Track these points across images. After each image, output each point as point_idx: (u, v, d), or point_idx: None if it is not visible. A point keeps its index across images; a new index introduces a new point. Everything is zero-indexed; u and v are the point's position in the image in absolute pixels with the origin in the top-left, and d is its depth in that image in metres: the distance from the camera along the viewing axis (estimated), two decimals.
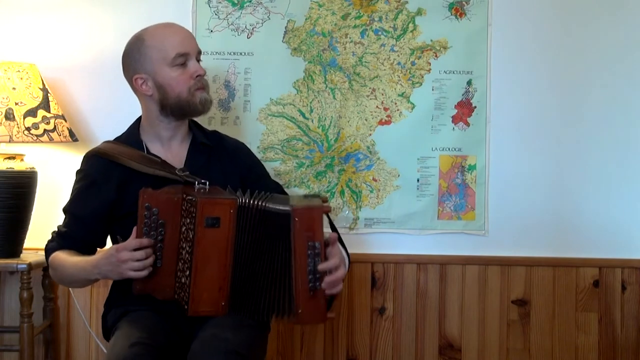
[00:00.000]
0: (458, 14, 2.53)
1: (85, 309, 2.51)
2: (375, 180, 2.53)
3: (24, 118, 2.27)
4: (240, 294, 1.75)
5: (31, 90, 2.32)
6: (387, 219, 2.54)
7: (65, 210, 1.97)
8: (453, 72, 2.53)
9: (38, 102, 2.31)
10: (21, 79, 2.31)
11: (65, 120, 2.39)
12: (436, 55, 2.53)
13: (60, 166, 2.52)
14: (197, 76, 1.92)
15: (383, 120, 2.53)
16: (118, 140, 2.02)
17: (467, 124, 2.53)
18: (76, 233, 1.92)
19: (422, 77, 2.53)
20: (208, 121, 2.49)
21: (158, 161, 1.92)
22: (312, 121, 2.53)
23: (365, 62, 2.52)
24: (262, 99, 2.52)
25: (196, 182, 1.80)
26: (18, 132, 2.25)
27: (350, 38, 2.52)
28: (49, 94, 2.36)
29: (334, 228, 1.90)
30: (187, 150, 1.99)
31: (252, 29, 2.52)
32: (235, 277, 1.75)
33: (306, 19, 2.52)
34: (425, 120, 2.53)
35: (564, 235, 2.54)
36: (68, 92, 2.52)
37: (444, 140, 2.53)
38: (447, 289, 2.55)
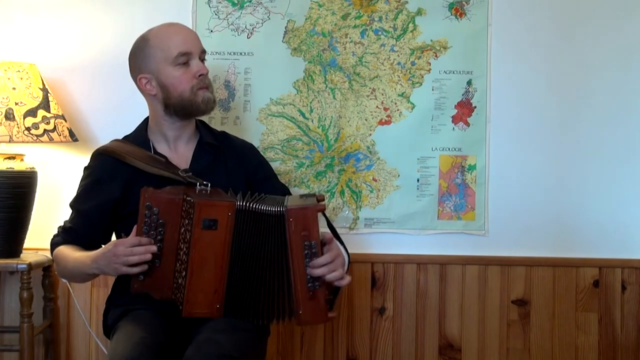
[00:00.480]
0: (458, 14, 2.53)
1: (85, 309, 2.51)
2: (375, 180, 2.53)
3: (24, 118, 2.27)
4: (237, 297, 1.75)
5: (31, 90, 2.32)
6: (387, 219, 2.54)
7: (71, 205, 2.00)
8: (453, 72, 2.53)
9: (38, 102, 2.31)
10: (21, 79, 2.31)
11: (65, 120, 2.39)
12: (436, 55, 2.53)
13: (60, 166, 2.52)
14: (199, 75, 1.92)
15: (383, 120, 2.53)
16: (126, 138, 2.04)
17: (467, 124, 2.53)
18: (80, 229, 1.94)
19: (422, 77, 2.53)
20: (208, 121, 2.48)
21: (162, 161, 1.92)
22: (312, 121, 2.53)
23: (365, 62, 2.52)
24: (262, 99, 2.52)
25: (197, 184, 1.80)
26: (18, 132, 2.25)
27: (350, 38, 2.52)
28: (49, 94, 2.36)
29: (331, 227, 1.90)
30: (193, 150, 2.00)
31: (252, 29, 2.52)
32: (232, 280, 1.74)
33: (306, 19, 2.52)
34: (425, 120, 2.53)
35: (564, 235, 2.55)
36: (68, 92, 2.52)
37: (444, 140, 2.53)
38: (447, 289, 2.55)
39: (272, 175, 2.10)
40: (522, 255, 2.54)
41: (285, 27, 2.52)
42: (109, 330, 1.93)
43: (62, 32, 2.52)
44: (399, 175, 2.53)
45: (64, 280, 2.45)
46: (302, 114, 2.53)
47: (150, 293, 1.77)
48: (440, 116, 2.53)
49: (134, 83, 2.49)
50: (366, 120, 2.53)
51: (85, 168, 2.02)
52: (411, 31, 2.52)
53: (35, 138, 2.28)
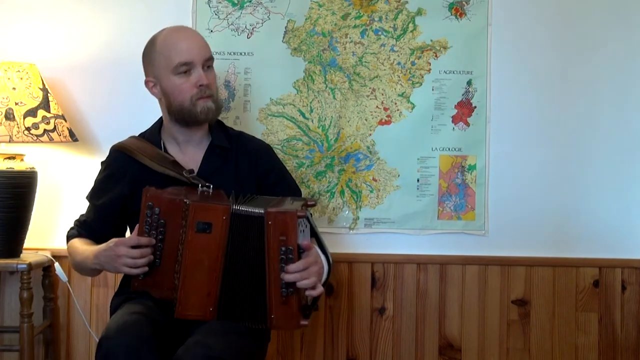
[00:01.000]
0: (458, 14, 2.53)
1: (85, 309, 2.51)
2: (375, 180, 2.53)
3: (24, 118, 2.27)
4: (228, 300, 1.75)
5: (31, 90, 2.32)
6: (387, 219, 2.54)
7: (87, 198, 2.05)
8: (453, 72, 2.53)
9: (38, 102, 2.31)
10: (21, 79, 2.31)
11: (65, 120, 2.39)
12: (436, 55, 2.53)
13: (60, 166, 2.52)
14: (200, 85, 1.91)
15: (383, 120, 2.53)
16: (142, 135, 2.05)
17: (467, 124, 2.53)
18: (94, 223, 1.99)
19: (422, 77, 2.53)
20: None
21: (170, 160, 1.93)
22: (312, 121, 2.53)
23: (365, 62, 2.52)
24: (262, 99, 2.52)
25: (199, 185, 1.80)
26: (18, 132, 2.25)
27: (350, 38, 2.52)
28: (49, 94, 2.36)
29: (315, 234, 1.84)
30: (203, 153, 1.99)
31: (252, 29, 2.52)
32: (225, 283, 1.74)
33: (306, 19, 2.52)
34: (425, 120, 2.53)
35: (564, 235, 2.54)
36: (68, 92, 2.52)
37: (444, 140, 2.53)
38: (447, 289, 2.55)
39: (285, 179, 2.09)
40: (522, 255, 2.54)
41: (285, 27, 2.52)
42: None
43: (62, 32, 2.52)
44: (399, 175, 2.53)
45: (64, 280, 2.45)
46: (302, 114, 2.53)
47: (149, 292, 1.78)
48: (440, 116, 2.53)
49: (133, 83, 2.52)
50: (366, 120, 2.53)
51: (102, 162, 2.06)
52: (411, 31, 2.52)
53: (35, 138, 2.28)
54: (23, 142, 2.28)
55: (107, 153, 2.45)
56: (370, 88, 2.53)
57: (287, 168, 2.50)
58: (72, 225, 2.06)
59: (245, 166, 2.01)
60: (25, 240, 2.38)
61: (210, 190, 1.80)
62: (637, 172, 2.55)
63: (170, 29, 1.97)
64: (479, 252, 2.54)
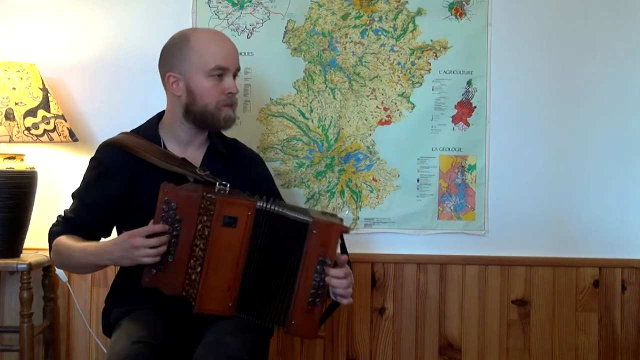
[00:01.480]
0: (458, 14, 2.53)
1: (85, 309, 2.51)
2: (375, 180, 2.53)
3: (24, 118, 2.27)
4: (247, 297, 1.76)
5: (31, 90, 2.32)
6: (387, 219, 2.54)
7: (74, 195, 1.97)
8: (453, 72, 2.53)
9: (38, 102, 2.31)
10: (21, 79, 2.31)
11: (65, 120, 2.39)
12: (436, 55, 2.53)
13: (60, 166, 2.52)
14: (228, 93, 1.91)
15: (383, 120, 2.53)
16: (136, 132, 2.00)
17: (467, 124, 2.53)
18: (83, 220, 1.92)
19: (422, 77, 2.53)
20: None
21: (178, 158, 1.90)
22: (312, 121, 2.53)
23: (365, 62, 2.52)
24: (262, 99, 2.52)
25: (217, 183, 1.80)
26: (18, 132, 2.25)
27: (350, 38, 2.52)
28: (49, 94, 2.36)
29: (344, 250, 1.86)
30: (202, 155, 1.99)
31: (252, 29, 2.52)
32: (245, 279, 1.75)
33: (306, 19, 2.52)
34: (425, 120, 2.53)
35: (564, 235, 2.54)
36: (68, 92, 2.52)
37: (444, 140, 2.53)
38: (447, 289, 2.55)
39: (275, 192, 2.09)
40: (522, 255, 2.54)
41: (285, 27, 2.52)
42: (110, 328, 1.92)
43: (62, 32, 2.52)
44: (399, 175, 2.53)
45: (64, 280, 2.45)
46: (302, 114, 2.53)
47: (160, 288, 1.77)
48: (440, 116, 2.53)
49: (133, 83, 2.51)
50: (366, 120, 2.53)
51: (92, 159, 1.98)
52: (411, 31, 2.52)
53: (35, 138, 2.28)
54: (23, 142, 2.28)
55: None
56: (370, 88, 2.53)
57: (287, 168, 2.52)
58: (54, 221, 1.98)
59: (240, 173, 2.01)
60: (25, 240, 2.38)
61: (227, 189, 1.79)
62: (637, 172, 2.55)
63: (206, 29, 1.96)
64: (479, 252, 2.54)
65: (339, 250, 1.80)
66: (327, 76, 2.52)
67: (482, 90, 2.53)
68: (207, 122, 1.93)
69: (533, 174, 2.54)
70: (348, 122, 2.53)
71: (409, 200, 2.53)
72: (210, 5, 2.52)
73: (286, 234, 1.76)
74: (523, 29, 2.54)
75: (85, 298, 2.52)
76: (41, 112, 2.31)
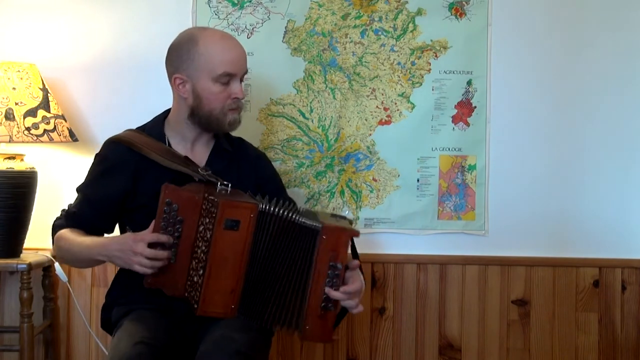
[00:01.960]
0: (458, 14, 2.53)
1: (85, 309, 2.51)
2: (375, 180, 2.53)
3: (24, 118, 2.27)
4: (250, 299, 1.75)
5: (31, 90, 2.32)
6: (387, 219, 2.54)
7: (78, 190, 1.98)
8: (453, 72, 2.53)
9: (38, 102, 2.31)
10: (21, 79, 2.31)
11: (65, 120, 2.39)
12: (436, 55, 2.53)
13: (60, 166, 2.52)
14: (234, 98, 1.90)
15: (383, 120, 2.53)
16: (141, 129, 1.99)
17: (467, 124, 2.53)
18: (86, 215, 1.92)
19: (422, 77, 2.53)
20: None
21: (182, 157, 1.90)
22: (312, 121, 2.53)
23: (365, 62, 2.52)
24: (262, 99, 2.52)
25: (219, 183, 1.79)
26: (18, 132, 2.25)
27: (350, 38, 2.52)
28: (49, 94, 2.36)
29: (355, 253, 1.86)
30: (208, 154, 1.98)
31: (252, 29, 2.52)
32: (247, 282, 1.74)
33: (306, 19, 2.52)
34: (425, 120, 2.53)
35: (564, 235, 2.54)
36: (68, 92, 2.52)
37: (444, 140, 2.53)
38: (447, 289, 2.55)
39: (282, 188, 2.09)
40: (522, 255, 2.54)
41: (285, 27, 2.52)
42: (109, 325, 1.93)
43: (62, 32, 2.52)
44: (399, 175, 2.53)
45: (64, 280, 2.45)
46: (302, 114, 2.53)
47: (162, 289, 1.77)
48: (440, 116, 2.53)
49: (133, 83, 2.51)
50: (366, 120, 2.53)
51: (97, 155, 1.98)
52: (411, 31, 2.52)
53: (35, 138, 2.28)
54: (23, 142, 2.28)
55: None
56: (370, 88, 2.53)
57: (287, 168, 2.52)
58: (58, 215, 2.00)
59: (246, 171, 2.00)
60: (25, 240, 2.38)
61: (229, 189, 1.79)
62: (637, 172, 2.55)
63: (215, 33, 1.92)
64: (479, 252, 2.54)
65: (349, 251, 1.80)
66: (327, 76, 2.52)
67: (482, 90, 2.53)
68: (212, 125, 1.92)
69: (533, 174, 2.54)
70: (348, 122, 2.53)
71: (409, 200, 2.53)
72: (210, 5, 2.52)
73: (294, 238, 1.75)
74: (523, 29, 2.54)
75: (85, 298, 2.52)
76: (41, 112, 2.31)
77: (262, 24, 2.52)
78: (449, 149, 2.53)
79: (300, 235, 1.74)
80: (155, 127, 1.98)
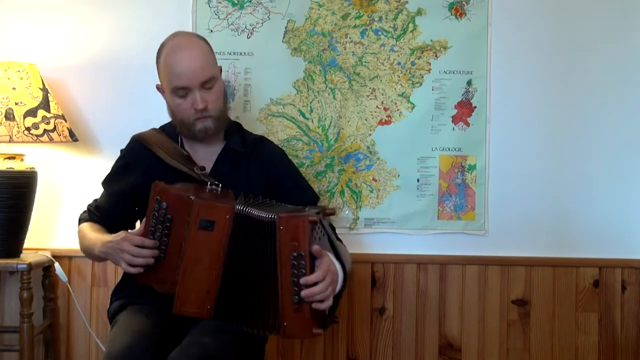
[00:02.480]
0: (458, 14, 2.53)
1: (85, 309, 2.51)
2: (375, 180, 2.53)
3: (24, 118, 2.27)
4: (228, 301, 1.74)
5: (31, 90, 2.32)
6: (387, 219, 2.54)
7: (102, 184, 2.07)
8: (453, 72, 2.53)
9: (38, 102, 2.31)
10: (21, 79, 2.31)
11: (65, 120, 2.39)
12: (436, 55, 2.53)
13: (60, 166, 2.52)
14: (195, 109, 1.89)
15: (383, 120, 2.53)
16: (162, 128, 2.05)
17: (467, 124, 2.53)
18: (106, 209, 2.02)
19: (422, 77, 2.53)
20: None
21: (184, 155, 1.93)
22: (312, 121, 2.53)
23: (365, 62, 2.52)
24: (262, 99, 2.52)
25: (208, 183, 1.80)
26: (18, 132, 2.25)
27: (350, 38, 2.52)
28: (49, 94, 2.36)
29: (330, 241, 1.79)
30: (217, 155, 1.99)
31: (252, 29, 2.52)
32: (225, 283, 1.74)
33: (306, 19, 2.52)
34: (425, 120, 2.53)
35: (564, 235, 2.55)
36: (68, 92, 2.52)
37: (444, 140, 2.53)
38: (447, 289, 2.55)
39: (298, 186, 2.06)
40: (522, 255, 2.54)
41: (285, 27, 2.52)
42: (110, 317, 1.96)
43: (62, 32, 2.52)
44: (399, 175, 2.53)
45: (64, 280, 2.45)
46: (302, 114, 2.53)
47: (152, 285, 1.78)
48: (440, 116, 2.53)
49: (133, 83, 2.52)
50: (366, 120, 2.53)
51: (121, 150, 2.07)
52: (411, 31, 2.52)
53: (35, 138, 2.28)
54: (23, 142, 2.28)
55: (107, 153, 2.49)
56: (370, 88, 2.53)
57: None
58: (85, 209, 2.08)
59: (256, 172, 2.00)
60: (25, 240, 2.38)
61: (219, 189, 1.79)
62: (637, 172, 2.55)
63: (174, 43, 1.90)
64: (479, 252, 2.54)
65: (322, 244, 1.73)
66: (327, 76, 2.52)
67: (482, 90, 2.53)
68: (189, 133, 1.94)
69: (533, 173, 2.54)
70: (348, 122, 2.53)
71: (409, 200, 2.53)
72: (210, 5, 2.52)
73: (259, 235, 1.73)
74: (523, 29, 2.54)
75: (85, 298, 2.52)
76: (41, 112, 2.31)
77: (262, 24, 2.52)
78: (449, 149, 2.53)
79: (263, 230, 1.72)
80: (172, 127, 2.02)
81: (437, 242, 2.54)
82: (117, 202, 2.00)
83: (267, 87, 2.52)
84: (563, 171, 2.54)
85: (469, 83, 2.53)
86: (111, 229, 1.93)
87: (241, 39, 2.52)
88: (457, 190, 2.54)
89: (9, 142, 2.26)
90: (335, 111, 2.53)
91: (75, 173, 2.52)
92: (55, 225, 2.51)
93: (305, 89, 2.52)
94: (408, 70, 2.52)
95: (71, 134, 2.38)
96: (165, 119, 2.04)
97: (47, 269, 2.46)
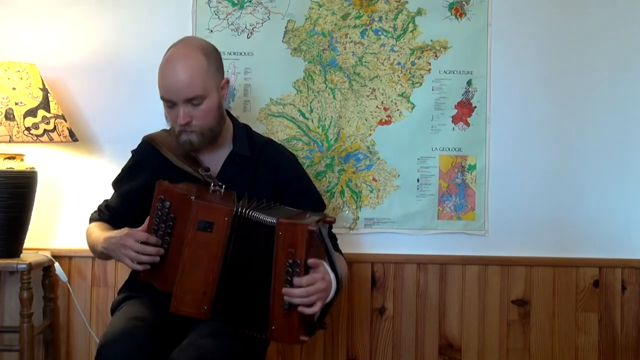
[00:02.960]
0: (458, 14, 2.53)
1: (85, 309, 2.51)
2: (375, 180, 2.53)
3: (24, 118, 2.27)
4: (224, 302, 1.75)
5: (31, 90, 2.32)
6: (387, 219, 2.54)
7: (112, 184, 2.08)
8: (453, 72, 2.53)
9: (38, 102, 2.31)
10: (21, 79, 2.31)
11: (65, 120, 2.39)
12: (436, 55, 2.53)
13: (60, 166, 2.52)
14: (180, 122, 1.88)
15: (383, 120, 2.53)
16: (173, 130, 2.03)
17: (467, 124, 2.53)
18: (115, 208, 2.03)
19: (422, 77, 2.53)
20: None
21: (191, 157, 1.93)
22: (312, 121, 2.53)
23: (365, 62, 2.52)
24: (262, 99, 2.52)
25: (212, 184, 1.80)
26: (18, 132, 2.25)
27: (350, 38, 2.52)
28: (49, 94, 2.36)
29: (326, 250, 1.79)
30: (224, 159, 1.98)
31: (252, 29, 2.52)
32: (221, 284, 1.74)
33: (306, 19, 2.52)
34: (425, 120, 2.53)
35: (564, 235, 2.55)
36: (68, 92, 2.52)
37: (444, 140, 2.53)
38: (447, 289, 2.55)
39: (305, 191, 2.05)
40: (522, 255, 2.54)
41: (285, 27, 2.52)
42: (112, 311, 1.96)
43: (61, 32, 2.52)
44: (399, 175, 2.53)
45: (64, 280, 2.45)
46: (302, 114, 2.53)
47: (153, 283, 1.79)
48: (440, 116, 2.53)
49: (133, 83, 2.52)
50: (366, 120, 2.53)
51: (132, 151, 2.08)
52: (411, 31, 2.52)
53: (35, 138, 2.28)
54: (23, 142, 2.28)
55: (107, 153, 2.49)
56: (370, 88, 2.53)
57: None
58: (95, 209, 2.09)
59: (264, 176, 1.99)
60: (25, 240, 2.38)
61: (222, 191, 1.79)
62: (637, 172, 2.55)
63: (171, 53, 1.89)
64: (479, 252, 2.54)
65: (319, 252, 1.74)
66: (327, 76, 2.52)
67: (482, 90, 2.53)
68: (177, 141, 1.93)
69: (533, 174, 2.54)
70: (348, 122, 2.53)
71: (409, 200, 2.53)
72: (210, 5, 2.52)
73: (259, 238, 1.73)
74: (523, 29, 2.54)
75: (85, 298, 2.52)
76: (41, 112, 2.31)
77: (262, 24, 2.52)
78: (449, 149, 2.53)
79: (262, 234, 1.73)
80: None
81: (437, 242, 2.54)
82: (126, 202, 2.01)
83: (267, 87, 2.52)
84: (563, 171, 2.54)
85: (469, 83, 2.53)
86: (120, 229, 1.92)
87: (241, 39, 2.52)
88: (457, 190, 2.54)
89: (9, 142, 2.26)
90: (335, 111, 2.53)
91: (75, 173, 2.52)
92: (55, 225, 2.51)
93: (305, 89, 2.52)
94: (408, 70, 2.53)
95: (71, 134, 2.38)
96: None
97: (47, 269, 2.46)
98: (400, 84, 2.52)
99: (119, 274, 2.49)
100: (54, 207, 2.51)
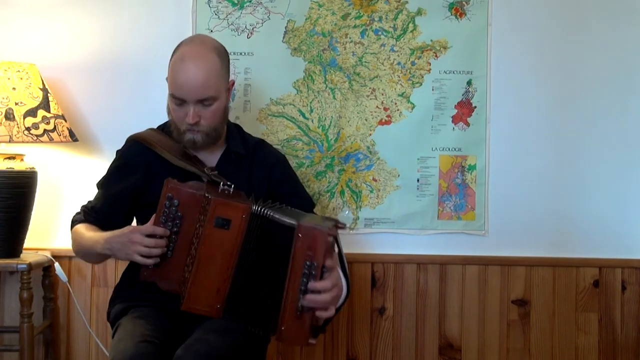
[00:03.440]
0: (458, 14, 2.53)
1: (85, 309, 2.51)
2: (375, 180, 2.54)
3: (24, 118, 2.27)
4: (237, 300, 1.74)
5: (31, 90, 2.32)
6: (387, 219, 2.54)
7: (97, 185, 2.04)
8: (453, 72, 2.53)
9: (38, 102, 2.31)
10: (21, 79, 2.31)
11: (65, 120, 2.39)
12: (436, 55, 2.53)
13: (60, 166, 2.52)
14: (188, 122, 1.88)
15: (383, 120, 2.53)
16: (161, 128, 2.03)
17: (467, 124, 2.53)
18: (103, 210, 1.98)
19: (422, 77, 2.53)
20: None
21: (191, 156, 1.92)
22: (312, 121, 2.53)
23: (365, 62, 2.52)
24: (262, 99, 2.52)
25: (221, 183, 1.80)
26: (18, 132, 2.25)
27: (350, 38, 2.52)
28: (49, 94, 2.36)
29: (340, 256, 1.83)
30: (219, 157, 1.99)
31: (252, 29, 2.52)
32: (235, 282, 1.74)
33: (306, 19, 2.52)
34: (425, 120, 2.53)
35: (564, 235, 2.55)
36: (68, 92, 2.52)
37: (444, 140, 2.53)
38: (447, 289, 2.55)
39: (297, 192, 2.07)
40: (522, 255, 2.54)
41: (285, 27, 2.52)
42: (112, 321, 1.94)
43: (62, 32, 2.52)
44: (399, 175, 2.54)
45: (64, 280, 2.45)
46: (302, 114, 2.53)
47: (157, 282, 1.77)
48: (440, 116, 2.53)
49: (133, 83, 2.52)
50: (366, 120, 2.53)
51: (117, 151, 2.04)
52: (411, 31, 2.52)
53: (35, 138, 2.28)
54: (23, 142, 2.28)
55: (107, 153, 2.48)
56: (370, 88, 2.53)
57: None
58: (78, 210, 2.04)
59: (258, 175, 2.00)
60: (25, 240, 2.38)
61: (231, 190, 1.79)
62: (637, 172, 2.55)
63: (185, 51, 1.88)
64: (479, 252, 2.54)
65: (331, 257, 1.75)
66: (327, 76, 2.52)
67: (482, 90, 2.53)
68: (179, 138, 1.92)
69: (533, 173, 2.54)
70: (348, 122, 2.53)
71: (409, 200, 2.53)
72: (210, 5, 2.52)
73: (276, 238, 1.74)
74: (523, 29, 2.54)
75: (85, 298, 2.52)
76: (41, 112, 2.31)
77: (262, 24, 2.52)
78: (449, 149, 2.53)
79: (281, 234, 1.73)
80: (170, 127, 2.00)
81: (437, 242, 2.54)
82: (115, 203, 1.97)
83: (267, 87, 2.52)
84: (563, 171, 2.54)
85: (469, 83, 2.53)
86: (106, 230, 1.89)
87: (241, 39, 2.52)
88: (457, 190, 2.54)
89: (9, 142, 2.26)
90: (335, 111, 2.53)
91: (75, 173, 2.52)
92: (55, 225, 2.51)
93: (305, 89, 2.52)
94: (408, 70, 2.53)
95: (71, 134, 2.38)
96: (165, 119, 2.03)
97: (47, 269, 2.46)
98: (400, 84, 2.52)
99: (119, 274, 2.48)
100: (54, 207, 2.51)
